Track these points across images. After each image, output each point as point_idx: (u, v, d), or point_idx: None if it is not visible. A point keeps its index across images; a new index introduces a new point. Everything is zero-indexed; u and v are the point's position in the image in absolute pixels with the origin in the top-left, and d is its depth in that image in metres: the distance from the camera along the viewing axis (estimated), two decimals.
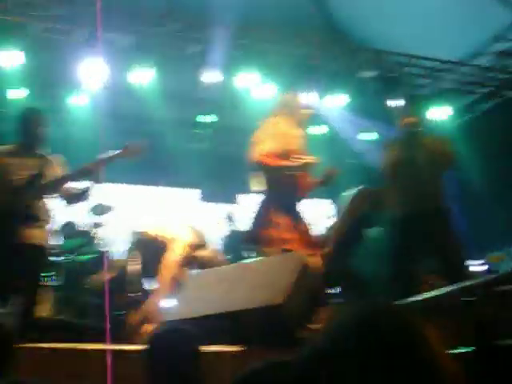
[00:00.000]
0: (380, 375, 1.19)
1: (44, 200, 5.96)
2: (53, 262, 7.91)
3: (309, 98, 9.63)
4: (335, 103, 11.39)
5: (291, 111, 6.42)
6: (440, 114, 11.58)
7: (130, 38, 9.77)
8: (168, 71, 10.13)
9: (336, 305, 6.88)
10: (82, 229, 9.30)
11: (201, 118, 12.26)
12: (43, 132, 6.08)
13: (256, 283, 4.92)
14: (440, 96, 11.68)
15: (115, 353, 4.32)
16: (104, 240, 8.99)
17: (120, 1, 9.42)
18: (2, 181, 5.80)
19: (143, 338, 6.59)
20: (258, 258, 6.05)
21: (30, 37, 9.42)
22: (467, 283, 5.33)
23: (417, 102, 7.26)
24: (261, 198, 6.37)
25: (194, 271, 6.84)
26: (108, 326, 7.45)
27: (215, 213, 12.05)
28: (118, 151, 6.15)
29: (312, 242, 6.33)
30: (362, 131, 12.61)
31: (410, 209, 6.77)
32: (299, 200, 6.44)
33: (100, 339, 6.50)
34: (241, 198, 12.25)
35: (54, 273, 8.16)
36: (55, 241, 8.13)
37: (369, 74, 11.21)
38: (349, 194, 7.83)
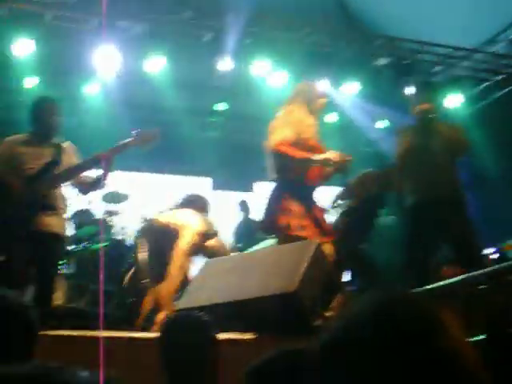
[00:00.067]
0: (397, 364, 1.18)
1: (60, 188, 5.97)
2: (66, 249, 7.93)
3: (321, 86, 9.57)
4: (348, 91, 11.36)
5: (306, 100, 6.40)
6: (453, 101, 11.52)
7: (144, 26, 9.75)
8: (181, 59, 10.12)
9: (350, 292, 6.87)
10: (95, 217, 9.33)
11: (214, 106, 12.24)
12: (57, 121, 6.09)
13: (270, 271, 4.91)
14: (453, 83, 11.62)
15: (128, 340, 4.34)
16: (118, 228, 9.02)
17: None
18: (16, 170, 5.82)
19: (156, 325, 6.62)
20: (272, 246, 6.04)
21: (43, 25, 9.42)
22: (480, 271, 5.31)
23: (431, 88, 7.22)
24: (274, 185, 6.37)
25: (206, 259, 6.83)
26: (120, 313, 7.51)
27: (228, 201, 12.05)
28: (129, 140, 6.15)
29: (326, 230, 6.32)
30: (375, 119, 12.57)
31: (422, 196, 6.75)
32: (313, 188, 6.43)
33: (112, 327, 6.53)
34: (257, 186, 12.24)
35: (66, 261, 8.19)
36: (69, 229, 8.14)
37: (382, 61, 11.16)
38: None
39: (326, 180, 6.51)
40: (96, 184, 6.25)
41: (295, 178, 6.16)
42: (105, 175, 6.05)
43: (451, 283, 5.25)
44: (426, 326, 1.23)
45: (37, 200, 5.74)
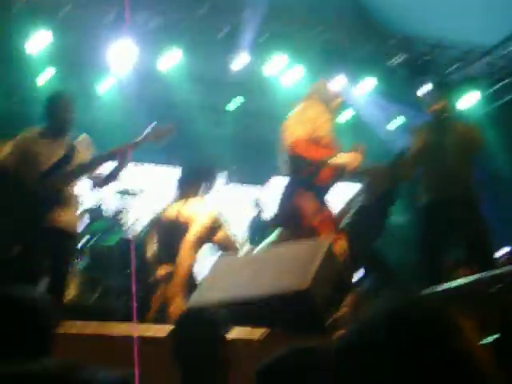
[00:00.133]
0: (411, 367, 1.18)
1: (73, 184, 5.98)
2: (78, 244, 7.94)
3: (337, 84, 9.55)
4: (363, 88, 11.33)
5: (322, 98, 6.39)
6: (468, 100, 11.47)
7: (160, 21, 9.76)
8: (197, 54, 10.13)
9: (362, 291, 6.85)
10: (108, 212, 9.33)
11: (229, 102, 12.24)
12: (71, 116, 6.09)
13: (282, 269, 4.91)
14: (469, 82, 11.57)
15: (140, 336, 4.34)
16: (131, 223, 9.02)
17: None
18: (30, 166, 5.83)
19: (167, 320, 6.63)
20: (285, 244, 6.03)
21: (59, 19, 9.44)
22: (494, 271, 5.30)
23: (446, 87, 7.20)
24: (287, 180, 6.36)
25: (221, 255, 6.83)
26: (132, 308, 7.52)
27: (242, 197, 12.04)
28: (144, 135, 6.16)
29: (337, 229, 6.32)
30: (389, 116, 12.54)
31: (436, 195, 6.74)
32: (325, 188, 6.43)
33: (124, 321, 6.54)
34: (271, 181, 12.23)
35: (78, 255, 8.20)
36: (82, 223, 8.15)
37: (397, 59, 11.14)
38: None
39: (336, 181, 6.51)
40: (110, 179, 6.27)
41: (308, 178, 6.15)
42: (119, 170, 6.06)
43: (465, 283, 5.24)
44: (440, 329, 1.22)
45: (50, 196, 5.74)
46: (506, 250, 9.72)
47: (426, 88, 10.76)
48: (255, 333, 4.56)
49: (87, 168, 6.03)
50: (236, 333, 4.17)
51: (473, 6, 10.18)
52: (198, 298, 5.15)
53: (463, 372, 1.18)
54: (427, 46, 11.19)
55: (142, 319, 6.70)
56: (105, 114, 11.03)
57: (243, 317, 4.55)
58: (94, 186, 6.57)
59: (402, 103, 12.02)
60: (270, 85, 10.99)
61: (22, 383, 0.84)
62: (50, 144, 5.95)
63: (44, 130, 6.07)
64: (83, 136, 6.19)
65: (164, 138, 6.22)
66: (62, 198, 5.80)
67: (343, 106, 6.92)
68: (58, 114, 6.04)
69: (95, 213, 9.00)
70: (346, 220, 7.46)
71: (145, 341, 4.28)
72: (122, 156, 5.93)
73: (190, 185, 7.31)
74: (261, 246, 7.88)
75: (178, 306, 6.90)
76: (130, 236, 8.58)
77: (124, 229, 8.83)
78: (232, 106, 12.31)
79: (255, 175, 12.11)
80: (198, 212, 7.02)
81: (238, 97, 12.12)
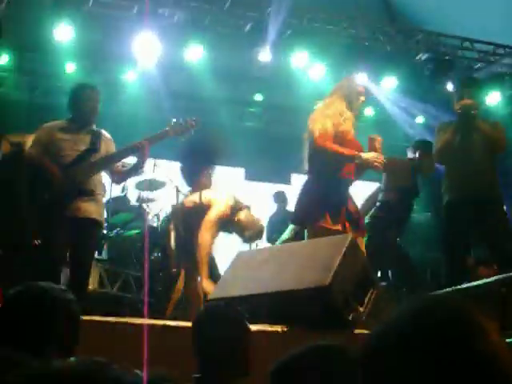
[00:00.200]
0: (436, 368, 1.18)
1: (97, 175, 5.99)
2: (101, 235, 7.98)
3: (360, 80, 9.52)
4: (386, 85, 11.30)
5: (346, 95, 6.37)
6: (492, 99, 11.39)
7: (185, 14, 9.78)
8: (221, 48, 10.13)
9: (385, 287, 6.84)
10: (131, 204, 9.37)
11: (253, 97, 12.25)
12: (96, 108, 6.11)
13: (304, 264, 4.91)
14: (493, 81, 11.49)
15: (160, 328, 4.36)
16: (153, 215, 9.05)
17: None
18: (54, 156, 5.85)
19: (188, 313, 6.64)
20: (307, 239, 6.02)
21: (84, 11, 9.47)
22: None
23: (473, 84, 7.14)
24: (308, 177, 6.35)
25: (244, 250, 6.83)
26: (150, 300, 7.55)
27: (261, 192, 12.03)
28: (167, 129, 6.17)
29: (359, 225, 6.30)
30: (412, 114, 12.48)
31: (458, 194, 6.71)
32: (348, 183, 6.41)
33: (143, 313, 6.56)
34: (294, 178, 12.20)
35: (100, 246, 8.23)
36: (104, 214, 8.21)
37: (422, 56, 11.09)
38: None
39: (360, 175, 6.49)
40: (131, 172, 6.29)
41: (332, 173, 6.13)
42: (142, 163, 6.07)
43: (487, 283, 5.22)
44: (465, 329, 1.22)
45: (74, 186, 5.77)
46: None
47: (452, 85, 10.74)
48: (276, 327, 4.56)
49: (110, 161, 6.05)
50: (257, 328, 4.18)
51: (498, 5, 10.12)
52: (218, 294, 5.15)
53: (488, 373, 1.18)
54: (452, 44, 11.12)
55: (160, 313, 6.72)
56: (129, 107, 11.06)
57: (264, 312, 4.56)
58: (113, 182, 6.60)
59: (425, 102, 11.98)
60: (295, 80, 10.98)
61: (53, 382, 0.85)
62: (74, 135, 5.98)
63: (69, 121, 6.09)
64: (105, 132, 6.20)
65: (188, 132, 6.24)
66: (85, 189, 5.82)
67: (366, 101, 6.87)
68: (83, 105, 6.06)
69: (118, 204, 9.04)
70: (367, 217, 7.44)
71: (166, 331, 4.30)
72: (142, 150, 5.94)
73: (197, 175, 7.36)
74: (277, 242, 7.90)
75: (198, 293, 6.96)
76: (152, 228, 8.61)
77: (146, 221, 8.86)
78: (256, 100, 12.30)
79: (278, 170, 12.13)
80: (217, 195, 7.06)
81: (262, 91, 12.13)
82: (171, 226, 7.37)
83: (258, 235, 7.37)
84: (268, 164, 12.46)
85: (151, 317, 5.70)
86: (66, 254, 5.83)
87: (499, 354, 1.21)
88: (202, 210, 7.00)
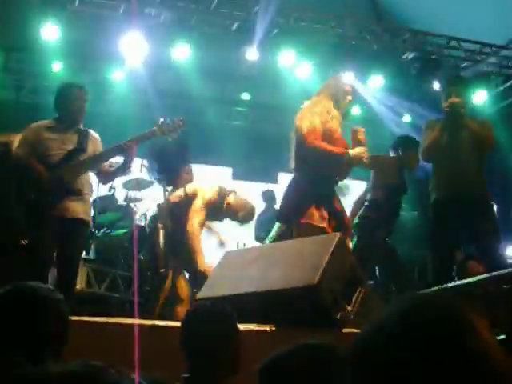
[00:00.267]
0: (426, 366, 1.17)
1: (84, 175, 5.98)
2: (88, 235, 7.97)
3: (347, 79, 9.54)
4: (373, 84, 11.32)
5: (333, 94, 6.38)
6: (479, 98, 11.43)
7: (171, 14, 9.77)
8: (208, 48, 10.14)
9: (373, 286, 6.85)
10: (118, 203, 9.35)
11: (240, 96, 12.25)
12: (82, 107, 6.09)
13: (292, 263, 4.91)
14: (480, 80, 11.53)
15: (147, 328, 4.35)
16: (140, 215, 9.03)
17: None
18: (41, 156, 5.83)
19: (175, 315, 6.64)
20: (295, 239, 6.03)
21: (70, 10, 9.44)
22: (503, 271, 5.28)
23: (460, 83, 7.16)
24: (294, 175, 6.35)
25: (232, 250, 6.84)
26: (138, 300, 7.54)
27: (249, 192, 12.02)
28: (154, 128, 6.16)
29: (344, 224, 6.32)
30: (399, 113, 12.51)
31: (446, 193, 6.73)
32: (335, 182, 6.43)
33: (131, 313, 6.55)
34: (281, 177, 12.21)
35: (87, 246, 8.21)
36: (92, 214, 8.19)
37: (408, 55, 11.12)
38: None
39: (347, 174, 6.51)
40: (118, 172, 6.27)
41: (319, 171, 6.14)
42: (129, 163, 6.06)
43: (473, 282, 5.23)
44: (455, 327, 1.22)
45: (61, 186, 5.75)
46: None
47: (437, 85, 10.77)
48: (264, 326, 4.56)
49: (97, 160, 6.04)
50: (245, 327, 4.18)
51: (485, 4, 10.15)
52: (206, 293, 5.15)
53: (478, 371, 1.18)
54: (439, 43, 11.15)
55: (149, 313, 6.72)
56: (116, 106, 11.05)
57: (251, 311, 4.55)
58: (100, 182, 6.58)
59: (411, 100, 12.01)
60: (282, 79, 10.99)
61: None
62: (61, 134, 5.96)
63: (55, 121, 6.08)
64: (92, 132, 6.19)
65: (175, 131, 6.23)
66: (73, 189, 5.81)
67: (353, 102, 6.89)
68: (70, 104, 6.05)
69: (106, 203, 9.02)
70: (357, 217, 7.45)
71: (154, 331, 4.29)
72: (129, 150, 5.93)
73: (178, 172, 7.44)
74: (266, 241, 7.91)
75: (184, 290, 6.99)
76: (140, 227, 8.60)
77: (134, 220, 8.85)
78: (243, 99, 12.31)
79: (265, 170, 12.14)
80: (202, 185, 7.14)
81: (249, 90, 12.13)
82: (159, 225, 7.38)
83: (251, 214, 7.48)
84: (255, 163, 12.48)
85: (140, 317, 5.69)
86: (54, 253, 5.81)
87: (490, 351, 1.22)
88: (188, 200, 7.06)
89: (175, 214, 7.17)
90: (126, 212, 9.00)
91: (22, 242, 5.92)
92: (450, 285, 5.58)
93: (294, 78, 10.85)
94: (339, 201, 6.44)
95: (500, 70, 11.82)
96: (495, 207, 7.39)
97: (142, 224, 8.80)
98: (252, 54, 10.15)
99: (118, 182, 8.81)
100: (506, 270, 5.24)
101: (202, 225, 7.10)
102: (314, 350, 2.32)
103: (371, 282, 6.97)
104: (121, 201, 9.38)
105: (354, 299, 4.88)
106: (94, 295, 7.88)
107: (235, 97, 12.33)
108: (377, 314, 1.32)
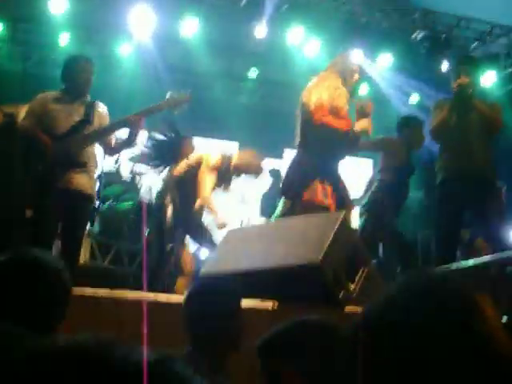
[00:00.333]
0: (431, 348, 1.17)
1: (90, 147, 5.97)
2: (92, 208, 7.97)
3: (356, 57, 9.49)
4: (382, 62, 11.26)
5: (341, 71, 6.35)
6: (488, 79, 11.35)
7: None
8: (216, 23, 10.09)
9: (376, 265, 6.85)
10: (123, 177, 9.35)
11: (248, 72, 12.20)
12: (89, 79, 6.08)
13: (295, 241, 4.90)
14: (489, 61, 11.44)
15: (152, 302, 4.36)
16: (146, 189, 9.03)
17: None
18: (47, 127, 5.82)
19: (180, 289, 6.65)
20: (299, 216, 6.02)
21: None
22: (506, 253, 5.28)
23: (470, 62, 7.11)
24: (299, 150, 6.33)
25: (235, 228, 6.85)
26: (145, 274, 7.55)
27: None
28: (161, 102, 6.15)
29: (347, 201, 6.31)
30: (407, 92, 12.45)
31: (453, 173, 6.70)
32: (340, 159, 6.42)
33: (135, 287, 6.55)
34: (287, 152, 12.19)
35: (91, 219, 8.21)
36: (96, 187, 8.19)
37: (418, 34, 11.05)
38: None
39: (352, 151, 6.51)
40: (124, 145, 6.26)
41: (325, 148, 6.12)
42: (134, 136, 6.04)
43: (479, 263, 5.23)
44: (465, 309, 1.22)
45: (67, 158, 5.75)
46: None
47: (446, 64, 10.71)
48: (266, 304, 4.56)
49: (103, 133, 6.03)
50: (247, 304, 4.19)
51: None
52: (210, 268, 5.16)
53: (483, 354, 1.18)
54: (449, 22, 11.08)
55: (154, 288, 6.73)
56: (123, 80, 11.02)
57: (255, 288, 4.56)
58: (105, 154, 6.58)
59: (420, 80, 11.94)
60: (290, 55, 10.95)
61: (60, 360, 0.83)
62: (67, 106, 5.95)
63: (62, 92, 6.06)
64: (100, 104, 6.17)
65: (181, 105, 6.21)
66: (78, 161, 5.80)
67: (361, 81, 6.87)
68: (76, 76, 6.03)
69: (111, 177, 9.01)
70: (365, 200, 7.47)
71: (158, 306, 4.30)
72: (135, 123, 5.92)
73: (180, 146, 7.49)
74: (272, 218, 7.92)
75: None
76: (145, 201, 8.60)
77: (139, 194, 8.85)
78: (251, 75, 12.26)
79: (271, 144, 12.08)
80: (203, 152, 7.17)
81: (257, 66, 12.08)
82: (167, 200, 7.38)
83: (260, 166, 7.53)
84: (262, 138, 12.43)
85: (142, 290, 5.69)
86: (58, 226, 5.82)
87: (495, 334, 1.21)
88: (193, 170, 7.08)
89: (182, 186, 7.19)
90: (131, 185, 8.99)
91: (28, 214, 5.92)
92: (453, 265, 5.58)
93: (303, 55, 10.81)
94: (341, 178, 6.44)
95: (510, 51, 11.74)
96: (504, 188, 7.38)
97: (148, 198, 8.80)
98: (261, 29, 10.11)
99: (124, 155, 8.80)
100: (509, 252, 5.24)
101: (212, 188, 7.16)
102: (312, 326, 2.32)
103: (374, 261, 6.98)
104: (126, 174, 9.37)
105: (357, 278, 4.88)
106: (98, 268, 7.89)
107: (243, 72, 12.27)
108: (383, 291, 1.31)
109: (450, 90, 6.86)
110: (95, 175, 6.39)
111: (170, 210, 7.33)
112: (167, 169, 7.65)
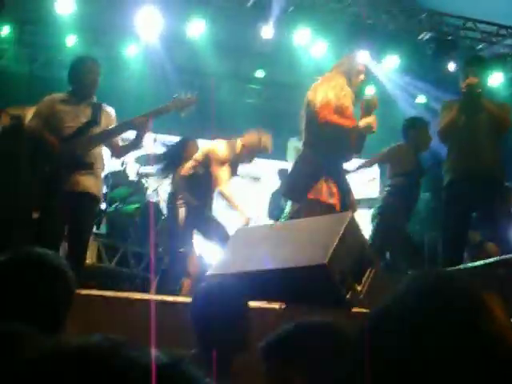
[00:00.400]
0: (438, 348, 1.16)
1: (96, 149, 5.97)
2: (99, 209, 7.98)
3: (362, 58, 9.48)
4: (388, 64, 11.25)
5: (347, 71, 6.34)
6: (495, 80, 11.33)
7: None
8: (223, 24, 10.09)
9: (383, 266, 6.85)
10: (130, 178, 9.35)
11: (254, 73, 12.20)
12: (96, 80, 6.08)
13: (303, 242, 4.90)
14: (496, 62, 11.42)
15: (159, 303, 4.36)
16: (153, 190, 9.04)
17: None
18: (55, 128, 5.83)
19: (185, 291, 6.65)
20: (303, 214, 6.02)
21: None
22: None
23: (478, 63, 7.09)
24: (305, 150, 6.32)
25: (243, 228, 6.83)
26: (149, 276, 7.56)
27: (259, 166, 12.01)
28: (167, 104, 6.15)
29: (351, 202, 6.31)
30: (413, 94, 12.44)
31: (461, 174, 6.68)
32: (345, 158, 6.42)
33: (141, 289, 6.55)
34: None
35: (98, 220, 8.22)
36: (103, 189, 8.21)
37: (424, 35, 11.04)
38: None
39: (357, 151, 6.50)
40: (131, 147, 6.27)
41: (330, 147, 6.11)
42: (141, 138, 6.05)
43: (487, 264, 5.21)
44: (473, 309, 1.21)
45: (73, 159, 5.75)
46: None
47: (452, 66, 10.70)
48: (273, 306, 4.56)
49: (110, 135, 6.03)
50: (254, 305, 4.18)
51: None
52: (217, 269, 5.16)
53: (491, 354, 1.17)
54: (455, 24, 11.07)
55: (160, 290, 6.73)
56: (130, 81, 11.02)
57: (262, 289, 4.55)
58: (112, 156, 6.59)
59: (426, 81, 11.92)
60: (296, 57, 10.94)
61: (60, 360, 0.83)
62: (75, 107, 5.95)
63: (68, 94, 6.07)
64: (108, 106, 6.18)
65: (188, 107, 6.21)
66: (84, 163, 5.80)
67: (366, 82, 6.86)
68: (83, 78, 6.04)
69: (117, 177, 9.01)
70: (377, 205, 7.48)
71: (165, 307, 4.30)
72: (142, 125, 5.92)
73: (186, 147, 7.54)
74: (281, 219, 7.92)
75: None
76: (152, 203, 8.61)
77: (145, 196, 8.86)
78: (258, 76, 12.26)
79: (277, 146, 12.07)
80: (209, 145, 7.21)
81: (264, 67, 12.08)
82: (179, 202, 7.39)
83: (268, 141, 7.77)
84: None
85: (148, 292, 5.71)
86: (64, 227, 5.82)
87: (505, 333, 1.21)
88: (204, 165, 7.10)
89: (193, 182, 7.20)
90: (138, 187, 8.99)
91: (35, 215, 5.92)
92: (461, 266, 5.57)
93: (309, 57, 10.80)
94: (346, 178, 6.44)
95: None
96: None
97: (154, 200, 8.81)
98: (268, 30, 10.11)
99: (131, 156, 8.81)
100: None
101: (230, 178, 7.20)
102: (316, 328, 2.32)
103: (381, 263, 6.98)
104: (132, 176, 9.37)
105: (364, 279, 4.87)
106: (104, 270, 7.90)
107: (249, 74, 12.27)
108: (390, 292, 1.30)
109: (456, 91, 6.85)
110: (102, 175, 6.40)
111: (182, 213, 7.33)
112: (172, 174, 7.68)
